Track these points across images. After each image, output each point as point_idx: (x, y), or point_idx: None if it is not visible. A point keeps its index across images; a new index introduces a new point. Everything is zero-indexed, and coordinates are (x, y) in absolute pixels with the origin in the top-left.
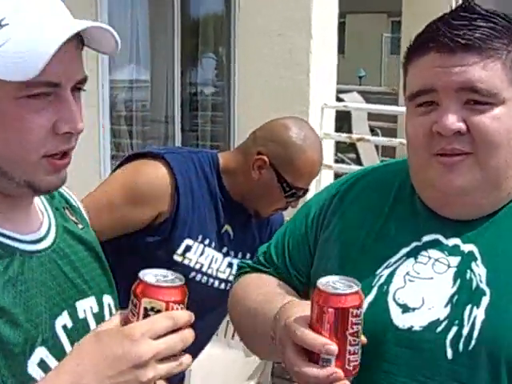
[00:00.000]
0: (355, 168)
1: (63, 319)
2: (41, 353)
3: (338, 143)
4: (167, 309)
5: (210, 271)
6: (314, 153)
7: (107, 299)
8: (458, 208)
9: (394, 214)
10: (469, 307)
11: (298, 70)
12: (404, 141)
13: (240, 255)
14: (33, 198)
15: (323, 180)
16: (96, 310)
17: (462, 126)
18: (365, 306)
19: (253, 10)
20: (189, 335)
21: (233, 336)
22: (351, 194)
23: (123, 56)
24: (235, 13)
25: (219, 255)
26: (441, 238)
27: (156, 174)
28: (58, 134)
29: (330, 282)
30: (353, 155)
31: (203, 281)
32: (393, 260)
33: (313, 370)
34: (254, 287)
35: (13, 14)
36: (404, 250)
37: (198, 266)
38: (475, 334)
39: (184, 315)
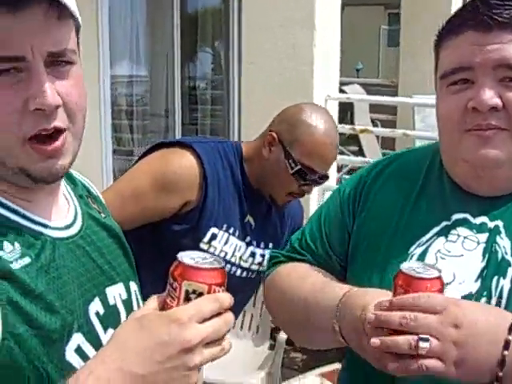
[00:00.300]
0: (359, 160)
1: (95, 305)
2: (77, 339)
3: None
4: (209, 291)
5: (233, 259)
6: (325, 134)
7: (133, 286)
8: (488, 182)
9: (424, 196)
10: (496, 278)
11: (301, 62)
12: (408, 131)
13: (262, 245)
14: (54, 184)
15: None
16: (125, 296)
17: (498, 101)
18: None
19: (254, 3)
20: (231, 318)
21: (241, 327)
22: (380, 181)
23: (124, 51)
24: (235, 7)
25: (242, 244)
26: (469, 216)
27: (185, 163)
28: (30, 112)
29: (414, 267)
30: (354, 148)
31: (226, 269)
32: (424, 239)
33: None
34: (296, 276)
35: None
36: (435, 230)
37: (222, 254)
38: (503, 303)
39: (227, 297)
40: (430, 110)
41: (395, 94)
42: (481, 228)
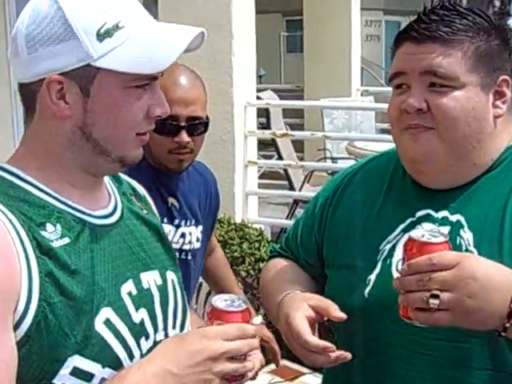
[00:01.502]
0: (279, 163)
1: (128, 286)
2: (107, 313)
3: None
4: None
5: None
6: (170, 78)
7: (170, 275)
8: (432, 176)
9: (390, 195)
10: None
11: (220, 70)
12: (327, 133)
13: (189, 223)
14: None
15: (249, 176)
16: (159, 282)
17: (423, 105)
18: (373, 277)
19: (172, 14)
20: (255, 343)
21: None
22: (353, 184)
23: None
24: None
25: (172, 228)
26: (431, 212)
27: None
28: (149, 117)
29: (422, 233)
30: (271, 153)
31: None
32: (392, 236)
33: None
34: (271, 273)
35: (125, 17)
36: (401, 226)
37: None
38: None
39: (251, 328)
40: (338, 113)
41: (301, 98)
42: (443, 221)
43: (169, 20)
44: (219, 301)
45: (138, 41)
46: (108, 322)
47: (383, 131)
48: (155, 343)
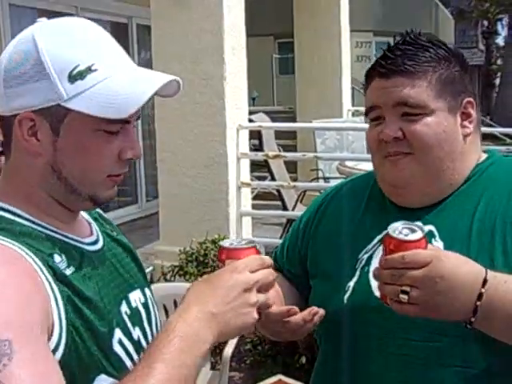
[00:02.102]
0: (272, 184)
1: (124, 307)
2: (118, 333)
3: None
4: None
5: None
6: None
7: (147, 292)
8: (409, 197)
9: (368, 211)
10: None
11: (213, 95)
12: (318, 154)
13: None
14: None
15: (243, 197)
16: (143, 300)
17: (399, 133)
18: (351, 284)
19: (165, 40)
20: (273, 272)
21: None
22: (336, 200)
23: None
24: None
25: None
26: None
27: None
28: (121, 160)
29: (400, 230)
30: (264, 174)
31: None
32: (370, 247)
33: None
34: None
35: (99, 61)
36: (378, 237)
37: None
38: None
39: (268, 258)
40: (330, 133)
41: (294, 120)
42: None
43: (162, 46)
44: (228, 243)
45: (109, 85)
46: (120, 342)
47: None
48: None
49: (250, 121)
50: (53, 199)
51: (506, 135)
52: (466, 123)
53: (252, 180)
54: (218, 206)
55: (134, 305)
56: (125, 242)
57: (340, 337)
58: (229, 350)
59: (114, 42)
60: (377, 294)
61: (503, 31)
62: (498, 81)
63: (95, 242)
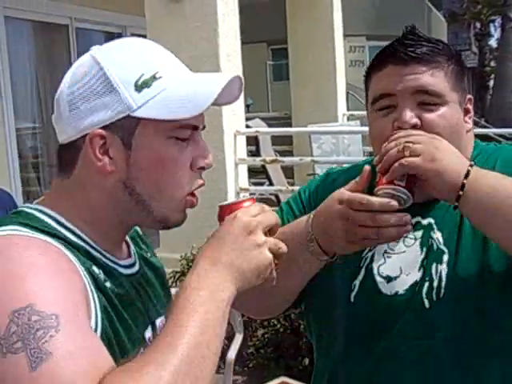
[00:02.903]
0: (270, 189)
1: (148, 333)
2: None
3: None
4: None
5: None
6: None
7: None
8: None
9: None
10: (434, 265)
11: None
12: (315, 158)
13: None
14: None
15: None
16: None
17: (417, 121)
18: (357, 282)
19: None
20: (275, 215)
21: None
22: (333, 188)
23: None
24: None
25: None
26: None
27: None
28: (193, 171)
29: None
30: (262, 180)
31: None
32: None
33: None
34: None
35: (162, 68)
36: None
37: None
38: (443, 284)
39: (267, 206)
40: (326, 137)
41: (289, 125)
42: (416, 226)
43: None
44: (225, 202)
45: (176, 88)
46: None
47: (371, 154)
48: None
49: (247, 127)
50: (112, 218)
51: (501, 136)
52: (466, 119)
53: (250, 186)
54: (216, 211)
55: (158, 332)
56: (157, 265)
57: (343, 336)
58: (232, 353)
59: (167, 51)
60: (384, 290)
61: (496, 33)
62: (491, 83)
63: (132, 266)
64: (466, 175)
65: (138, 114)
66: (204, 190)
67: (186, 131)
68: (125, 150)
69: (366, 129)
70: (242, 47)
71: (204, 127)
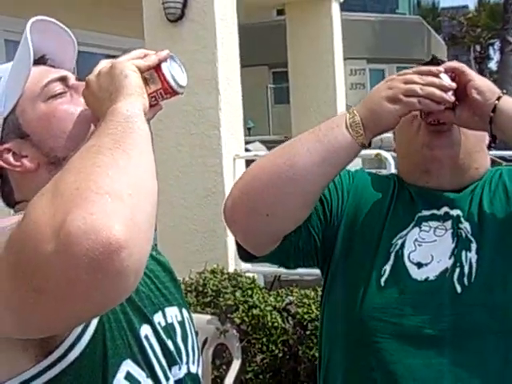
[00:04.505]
0: None
1: (158, 317)
2: (145, 329)
3: None
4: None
5: None
6: None
7: (185, 313)
8: (444, 177)
9: (399, 200)
10: (464, 253)
11: (208, 125)
12: None
13: None
14: None
15: None
16: (179, 318)
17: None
18: (387, 267)
19: None
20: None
21: None
22: (365, 184)
23: None
24: None
25: None
26: (435, 211)
27: None
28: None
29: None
30: None
31: None
32: (404, 233)
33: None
34: (279, 149)
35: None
36: (411, 224)
37: None
38: (473, 270)
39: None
40: None
41: None
42: (445, 217)
43: None
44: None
45: (6, 66)
46: (147, 337)
47: None
48: (184, 375)
49: (247, 150)
50: None
51: (501, 158)
52: None
53: None
54: (216, 236)
55: (169, 320)
56: (164, 261)
57: (380, 321)
58: (230, 379)
59: None
60: (414, 276)
61: (495, 55)
62: None
63: None
64: (494, 109)
65: (6, 110)
66: (203, 214)
67: (54, 86)
68: (26, 140)
69: (366, 152)
70: (243, 70)
71: (74, 72)
